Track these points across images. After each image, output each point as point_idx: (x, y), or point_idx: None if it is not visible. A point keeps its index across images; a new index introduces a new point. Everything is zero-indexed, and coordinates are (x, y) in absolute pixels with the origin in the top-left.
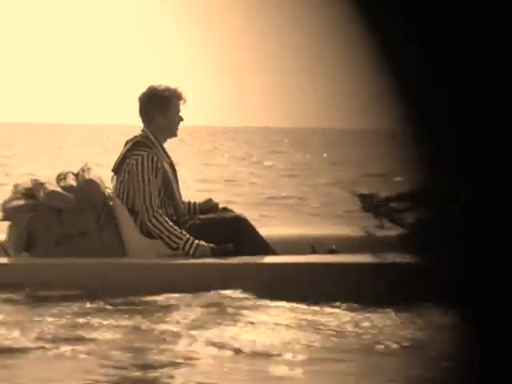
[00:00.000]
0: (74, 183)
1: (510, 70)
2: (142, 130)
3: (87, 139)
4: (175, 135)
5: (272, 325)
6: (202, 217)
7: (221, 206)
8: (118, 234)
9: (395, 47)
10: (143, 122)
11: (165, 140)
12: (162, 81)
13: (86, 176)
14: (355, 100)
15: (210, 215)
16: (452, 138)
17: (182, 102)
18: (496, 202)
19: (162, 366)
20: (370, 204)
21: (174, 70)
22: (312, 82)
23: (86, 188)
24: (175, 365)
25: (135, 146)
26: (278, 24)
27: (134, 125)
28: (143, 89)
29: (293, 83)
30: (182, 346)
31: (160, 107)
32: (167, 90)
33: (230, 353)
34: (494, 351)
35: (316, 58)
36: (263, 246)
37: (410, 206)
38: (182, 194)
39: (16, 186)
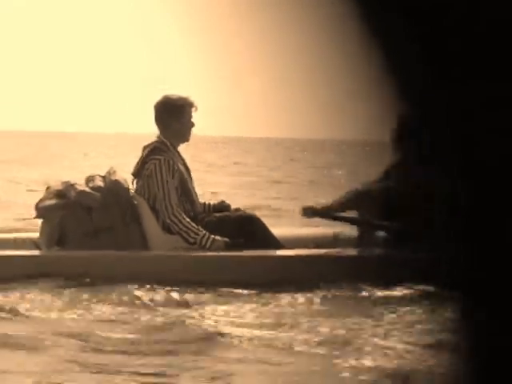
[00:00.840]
0: (101, 184)
1: (511, 69)
2: (158, 137)
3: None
4: (188, 140)
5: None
6: (217, 215)
7: (233, 207)
8: (141, 229)
9: (396, 48)
10: (159, 128)
11: (179, 144)
12: (162, 84)
13: (112, 177)
14: (355, 106)
15: (226, 213)
16: (452, 138)
17: (193, 109)
18: (496, 202)
19: None
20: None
21: (174, 73)
22: (312, 84)
23: (113, 188)
24: None
25: (153, 151)
26: (277, 25)
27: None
28: (140, 97)
29: (293, 84)
30: None
31: (175, 115)
32: (180, 99)
33: None
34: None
35: (316, 59)
36: (275, 243)
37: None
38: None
39: (48, 187)
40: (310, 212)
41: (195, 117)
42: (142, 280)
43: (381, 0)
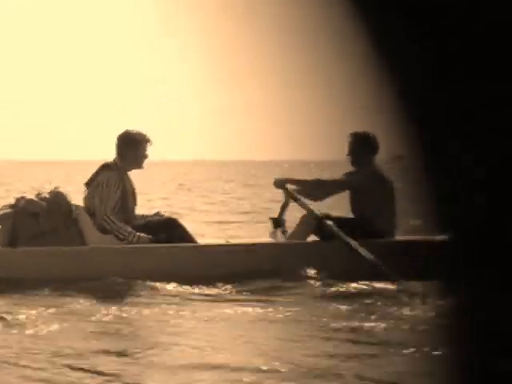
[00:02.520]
0: (47, 195)
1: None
2: (114, 160)
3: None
4: (141, 167)
5: None
6: (145, 220)
7: (153, 212)
8: (79, 231)
9: (395, 49)
10: (117, 154)
11: (130, 170)
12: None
13: (55, 190)
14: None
15: (150, 218)
16: (452, 137)
17: (149, 144)
18: (497, 202)
19: None
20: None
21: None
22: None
23: (55, 198)
24: None
25: (107, 167)
26: (276, 28)
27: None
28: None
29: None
30: None
31: (132, 147)
32: (139, 134)
33: None
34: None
35: (316, 62)
36: (190, 239)
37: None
38: None
39: (4, 205)
40: (279, 184)
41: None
42: None
43: (381, 1)
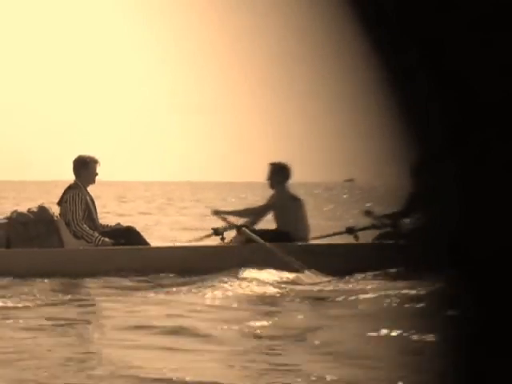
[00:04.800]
0: (34, 209)
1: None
2: (74, 180)
3: None
4: (94, 183)
5: None
6: (110, 228)
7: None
8: (59, 237)
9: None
10: (75, 175)
11: (88, 185)
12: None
13: (41, 205)
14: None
15: (113, 227)
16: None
17: (98, 164)
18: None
19: None
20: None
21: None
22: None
23: (41, 211)
24: None
25: (70, 188)
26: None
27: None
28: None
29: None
30: None
31: (84, 167)
32: (89, 157)
33: None
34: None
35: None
36: (144, 243)
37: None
38: None
39: (1, 217)
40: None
41: None
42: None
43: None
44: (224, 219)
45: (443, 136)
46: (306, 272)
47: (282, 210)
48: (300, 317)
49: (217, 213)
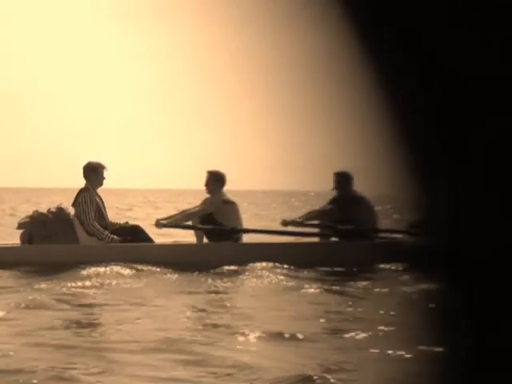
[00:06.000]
0: (53, 210)
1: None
2: (85, 184)
3: None
4: (102, 186)
5: None
6: (118, 226)
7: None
8: (75, 234)
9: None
10: (85, 179)
11: (97, 188)
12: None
13: (59, 206)
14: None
15: (121, 225)
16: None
17: (105, 170)
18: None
19: None
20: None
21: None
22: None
23: (58, 211)
24: None
25: (82, 191)
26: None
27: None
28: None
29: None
30: None
31: (93, 172)
32: (97, 163)
33: None
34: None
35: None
36: (149, 240)
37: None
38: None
39: (25, 216)
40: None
41: None
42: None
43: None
44: (167, 227)
45: (438, 137)
46: None
47: (216, 211)
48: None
49: (158, 224)
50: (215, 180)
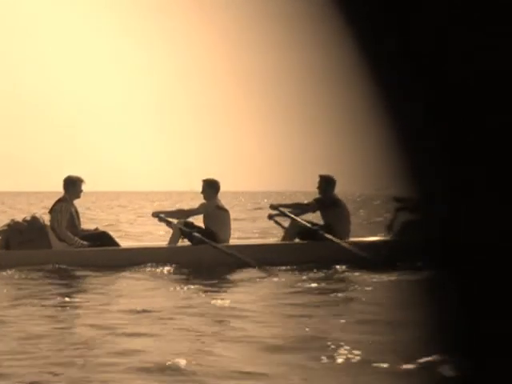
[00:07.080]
0: (28, 218)
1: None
2: (63, 194)
3: None
4: (79, 197)
5: None
6: (88, 232)
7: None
8: (48, 240)
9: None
10: (64, 190)
11: (73, 200)
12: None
13: (33, 215)
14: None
15: (91, 231)
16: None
17: (83, 183)
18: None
19: None
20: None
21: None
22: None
23: (33, 220)
24: None
25: (59, 201)
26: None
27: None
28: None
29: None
30: None
31: (71, 185)
32: (76, 177)
33: None
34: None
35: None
36: (116, 245)
37: None
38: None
39: (3, 224)
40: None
41: None
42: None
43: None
44: (161, 219)
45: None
46: (257, 267)
47: (209, 216)
48: None
49: (156, 215)
50: (210, 187)
